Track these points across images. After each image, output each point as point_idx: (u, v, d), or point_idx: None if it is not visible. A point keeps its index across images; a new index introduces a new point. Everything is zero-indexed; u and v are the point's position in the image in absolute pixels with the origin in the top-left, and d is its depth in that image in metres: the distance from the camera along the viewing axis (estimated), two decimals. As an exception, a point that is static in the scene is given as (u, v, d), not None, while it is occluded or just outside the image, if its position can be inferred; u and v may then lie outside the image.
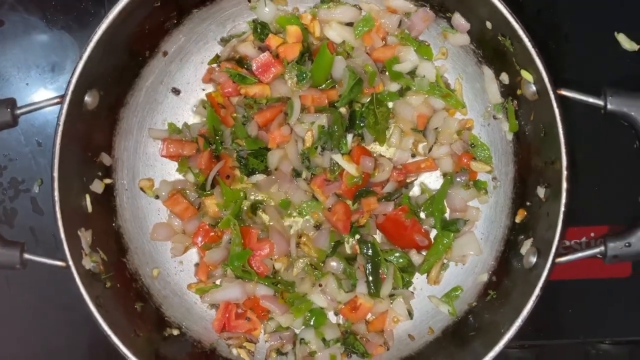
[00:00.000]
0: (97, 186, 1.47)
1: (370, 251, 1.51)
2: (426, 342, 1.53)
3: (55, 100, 1.34)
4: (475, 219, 1.54)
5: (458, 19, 1.46)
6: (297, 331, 1.54)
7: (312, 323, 1.53)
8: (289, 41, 1.51)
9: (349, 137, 1.50)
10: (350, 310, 1.52)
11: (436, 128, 1.54)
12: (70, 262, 1.32)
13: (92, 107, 1.40)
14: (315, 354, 1.51)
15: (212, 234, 1.54)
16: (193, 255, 1.58)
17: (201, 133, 1.54)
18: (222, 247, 1.53)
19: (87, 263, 1.37)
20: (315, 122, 1.48)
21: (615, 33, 1.58)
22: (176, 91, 1.58)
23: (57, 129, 1.32)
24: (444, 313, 1.53)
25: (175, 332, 1.52)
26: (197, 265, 1.58)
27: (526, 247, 1.40)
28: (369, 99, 1.52)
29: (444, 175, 1.55)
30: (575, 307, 1.62)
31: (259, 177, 1.54)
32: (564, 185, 1.28)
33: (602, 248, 1.31)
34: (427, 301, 1.55)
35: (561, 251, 1.32)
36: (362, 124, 1.51)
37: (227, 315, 1.53)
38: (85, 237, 1.39)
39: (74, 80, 1.32)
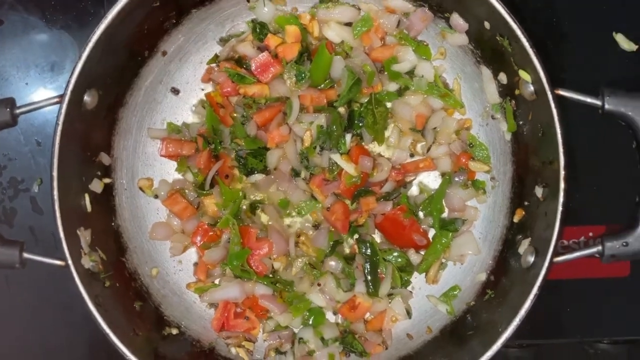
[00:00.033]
0: (97, 185, 1.47)
1: (368, 250, 1.51)
2: (424, 341, 1.53)
3: (55, 100, 1.34)
4: (473, 219, 1.55)
5: (456, 19, 1.46)
6: (295, 330, 1.54)
7: (310, 322, 1.53)
8: (288, 41, 1.51)
9: (348, 136, 1.50)
10: (348, 309, 1.52)
11: (435, 128, 1.54)
12: (70, 261, 1.33)
13: (92, 107, 1.41)
14: (314, 353, 1.51)
15: (211, 233, 1.54)
16: (192, 254, 1.58)
17: (200, 133, 1.54)
18: (221, 246, 1.53)
19: (86, 262, 1.38)
20: (314, 121, 1.49)
21: (614, 33, 1.58)
22: (175, 91, 1.58)
23: (56, 128, 1.32)
24: (442, 312, 1.53)
25: (174, 331, 1.52)
26: (196, 264, 1.58)
27: (524, 246, 1.40)
28: (367, 98, 1.52)
29: (443, 174, 1.55)
30: (573, 306, 1.62)
31: (257, 177, 1.54)
32: (562, 185, 1.28)
33: (600, 247, 1.32)
34: (425, 300, 1.56)
35: (559, 250, 1.32)
36: (360, 124, 1.51)
37: (226, 314, 1.53)
38: (85, 236, 1.39)
39: (73, 80, 1.32)
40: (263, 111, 1.52)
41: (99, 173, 1.49)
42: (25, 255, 1.36)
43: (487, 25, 1.39)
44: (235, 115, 1.53)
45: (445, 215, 1.55)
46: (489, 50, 1.45)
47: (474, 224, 1.55)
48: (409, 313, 1.54)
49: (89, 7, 1.65)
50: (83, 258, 1.37)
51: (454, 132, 1.54)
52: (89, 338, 1.63)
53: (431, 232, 1.55)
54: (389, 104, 1.54)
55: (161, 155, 1.55)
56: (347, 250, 1.56)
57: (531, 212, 1.43)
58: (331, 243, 1.53)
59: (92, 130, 1.45)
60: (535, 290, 1.29)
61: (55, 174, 1.32)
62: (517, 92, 1.41)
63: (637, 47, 1.57)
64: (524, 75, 1.35)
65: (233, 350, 1.54)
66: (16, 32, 1.65)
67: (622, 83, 1.40)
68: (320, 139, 1.49)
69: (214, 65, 1.56)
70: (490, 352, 1.30)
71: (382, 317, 1.53)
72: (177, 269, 1.58)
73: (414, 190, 1.57)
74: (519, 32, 1.30)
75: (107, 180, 1.51)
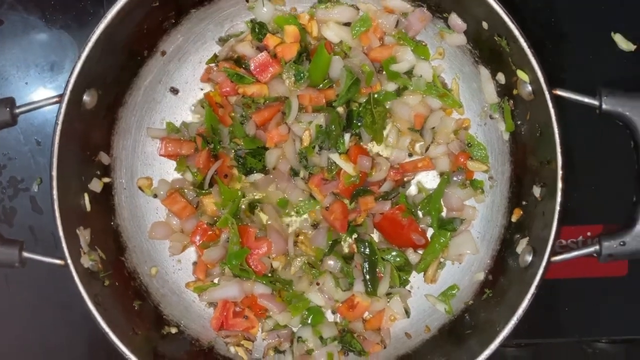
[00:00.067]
0: (96, 185, 1.48)
1: (367, 250, 1.51)
2: (423, 340, 1.53)
3: (54, 100, 1.34)
4: (471, 218, 1.55)
5: (455, 19, 1.47)
6: (294, 329, 1.55)
7: (309, 321, 1.53)
8: (287, 41, 1.51)
9: (347, 136, 1.51)
10: (347, 308, 1.52)
11: (433, 127, 1.55)
12: (69, 261, 1.33)
13: (91, 107, 1.41)
14: (313, 352, 1.51)
15: (210, 232, 1.54)
16: (191, 253, 1.58)
17: (199, 132, 1.54)
18: (220, 245, 1.54)
19: (86, 261, 1.38)
20: (313, 121, 1.49)
21: (612, 33, 1.58)
22: (174, 90, 1.58)
23: (55, 128, 1.32)
24: (440, 311, 1.54)
25: (174, 330, 1.53)
26: (195, 263, 1.58)
27: (522, 246, 1.40)
28: (366, 98, 1.52)
29: (441, 174, 1.55)
30: (571, 305, 1.62)
31: (256, 176, 1.54)
32: (559, 184, 1.28)
33: (597, 247, 1.32)
34: (423, 300, 1.56)
35: (557, 250, 1.33)
36: (359, 124, 1.52)
37: (225, 313, 1.53)
38: (84, 235, 1.40)
39: (72, 80, 1.33)
40: (262, 111, 1.52)
41: (99, 172, 1.49)
42: (25, 254, 1.36)
43: (485, 25, 1.39)
44: (234, 115, 1.53)
45: (443, 214, 1.56)
46: (487, 51, 1.45)
47: (472, 223, 1.55)
48: (407, 312, 1.55)
49: (88, 7, 1.65)
50: (82, 257, 1.37)
51: (452, 131, 1.54)
52: (89, 337, 1.64)
53: (429, 232, 1.56)
54: (387, 104, 1.54)
55: (160, 155, 1.56)
56: (345, 250, 1.56)
57: (529, 212, 1.43)
58: (330, 242, 1.53)
59: (92, 129, 1.46)
60: (532, 289, 1.29)
61: (54, 173, 1.32)
62: (515, 92, 1.41)
63: (635, 47, 1.57)
64: (521, 75, 1.35)
65: (232, 349, 1.54)
66: (16, 31, 1.65)
67: (621, 83, 1.40)
68: (319, 139, 1.49)
69: (213, 65, 1.56)
70: (488, 351, 1.31)
71: (381, 316, 1.54)
72: (176, 268, 1.58)
73: (412, 190, 1.58)
74: (516, 33, 1.30)
75: (106, 180, 1.51)
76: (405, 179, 1.57)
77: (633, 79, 1.59)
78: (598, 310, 1.62)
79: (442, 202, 1.54)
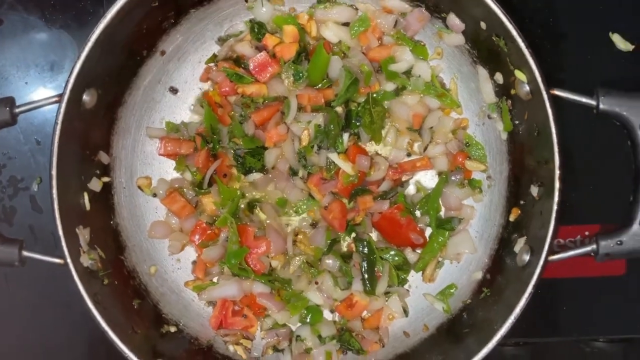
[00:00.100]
0: (95, 184, 1.48)
1: (366, 249, 1.52)
2: (421, 339, 1.54)
3: (54, 99, 1.35)
4: (469, 218, 1.55)
5: (453, 19, 1.47)
6: (293, 328, 1.55)
7: (308, 320, 1.53)
8: (286, 41, 1.52)
9: (345, 136, 1.51)
10: (346, 307, 1.53)
11: (431, 127, 1.55)
12: (69, 260, 1.33)
13: (90, 106, 1.41)
14: (311, 351, 1.51)
15: (209, 232, 1.54)
16: (190, 253, 1.58)
17: (198, 132, 1.54)
18: (219, 245, 1.54)
19: (85, 260, 1.38)
20: (312, 121, 1.49)
21: (610, 33, 1.58)
22: (174, 90, 1.59)
23: (55, 127, 1.32)
24: (438, 310, 1.54)
25: (173, 329, 1.53)
26: (194, 262, 1.58)
27: (520, 245, 1.41)
28: (365, 98, 1.52)
29: (439, 174, 1.56)
30: (569, 305, 1.62)
31: (255, 176, 1.54)
32: (557, 184, 1.29)
33: (594, 246, 1.32)
34: (422, 299, 1.56)
35: (555, 249, 1.33)
36: (358, 123, 1.52)
37: (224, 312, 1.53)
38: (84, 234, 1.40)
39: (72, 79, 1.33)
40: (261, 110, 1.52)
41: (98, 172, 1.50)
42: (25, 253, 1.36)
43: (483, 25, 1.39)
44: (233, 114, 1.54)
45: (441, 214, 1.56)
46: (485, 51, 1.45)
47: (470, 222, 1.56)
48: (405, 311, 1.55)
49: (88, 7, 1.65)
50: (82, 256, 1.37)
51: (450, 131, 1.55)
52: (88, 336, 1.64)
53: (428, 231, 1.56)
54: (386, 104, 1.54)
55: (160, 154, 1.56)
56: (344, 249, 1.57)
57: (527, 211, 1.44)
58: (329, 242, 1.53)
59: (91, 129, 1.46)
60: (530, 288, 1.29)
61: (54, 172, 1.33)
62: (513, 91, 1.42)
63: (633, 47, 1.58)
64: (519, 75, 1.36)
65: (231, 347, 1.54)
66: (16, 31, 1.65)
67: (619, 83, 1.40)
68: (317, 138, 1.49)
69: (212, 64, 1.56)
70: (486, 350, 1.31)
71: (379, 315, 1.54)
72: (175, 267, 1.59)
73: (410, 189, 1.58)
74: (514, 33, 1.30)
75: (106, 179, 1.52)
76: (403, 179, 1.57)
77: (631, 79, 1.60)
78: (596, 309, 1.62)
79: (440, 201, 1.55)
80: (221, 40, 1.57)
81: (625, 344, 1.65)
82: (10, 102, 1.36)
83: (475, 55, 1.50)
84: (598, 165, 1.60)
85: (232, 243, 1.50)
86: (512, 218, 1.48)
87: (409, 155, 1.57)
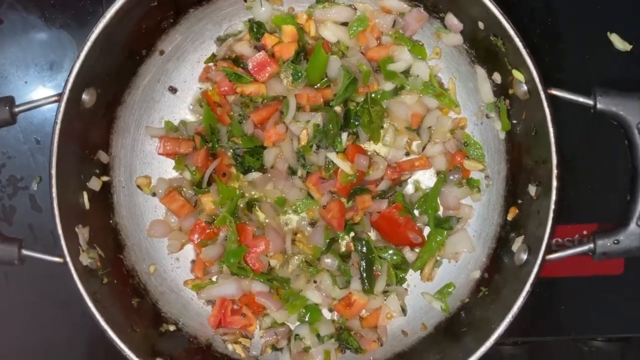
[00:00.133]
0: (95, 183, 1.48)
1: (364, 248, 1.52)
2: (419, 338, 1.54)
3: (54, 99, 1.35)
4: (468, 217, 1.56)
5: (451, 19, 1.47)
6: (292, 327, 1.56)
7: (306, 319, 1.54)
8: (285, 40, 1.52)
9: (344, 135, 1.51)
10: (344, 306, 1.53)
11: (430, 127, 1.55)
12: (68, 258, 1.33)
13: (90, 105, 1.41)
14: (310, 350, 1.51)
15: (209, 231, 1.55)
16: (189, 252, 1.59)
17: (198, 131, 1.55)
18: (218, 244, 1.54)
19: (85, 259, 1.38)
20: (311, 120, 1.49)
21: (608, 33, 1.59)
22: (173, 90, 1.59)
23: (54, 127, 1.33)
24: (436, 309, 1.54)
25: (172, 327, 1.53)
26: (193, 262, 1.59)
27: (517, 244, 1.41)
28: (363, 98, 1.53)
29: (438, 173, 1.56)
30: (568, 304, 1.63)
31: (254, 175, 1.55)
32: (554, 183, 1.29)
33: (592, 245, 1.33)
34: (420, 298, 1.56)
35: (553, 248, 1.33)
36: (356, 123, 1.52)
37: (222, 311, 1.54)
38: (83, 233, 1.40)
39: (71, 79, 1.33)
40: (260, 110, 1.53)
41: (97, 171, 1.50)
42: (24, 252, 1.37)
43: (481, 25, 1.40)
44: (232, 114, 1.54)
45: (440, 213, 1.56)
46: (483, 50, 1.45)
47: (468, 222, 1.56)
48: (404, 310, 1.55)
49: (87, 6, 1.65)
50: (81, 255, 1.38)
51: (449, 131, 1.55)
52: (88, 334, 1.64)
53: (426, 230, 1.56)
54: (384, 103, 1.54)
55: (159, 154, 1.56)
56: (343, 248, 1.57)
57: (524, 210, 1.44)
58: (327, 241, 1.53)
59: (91, 128, 1.46)
60: (527, 287, 1.30)
61: (53, 172, 1.33)
62: (511, 91, 1.42)
63: (631, 47, 1.58)
64: (517, 74, 1.36)
65: (230, 346, 1.54)
66: (15, 31, 1.66)
67: (617, 83, 1.41)
68: (316, 138, 1.50)
69: (211, 64, 1.56)
70: (484, 349, 1.31)
71: (378, 314, 1.54)
72: (174, 266, 1.59)
73: (409, 189, 1.58)
74: (512, 33, 1.30)
75: (105, 178, 1.52)
76: (402, 178, 1.57)
77: (629, 79, 1.60)
78: (594, 308, 1.62)
79: (438, 200, 1.55)
80: (220, 40, 1.57)
81: (623, 343, 1.65)
82: (9, 101, 1.36)
83: (474, 55, 1.50)
84: (595, 164, 1.60)
85: (231, 242, 1.50)
86: (510, 217, 1.49)
87: (407, 154, 1.57)
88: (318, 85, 1.53)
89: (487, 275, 1.51)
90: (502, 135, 1.51)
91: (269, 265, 1.54)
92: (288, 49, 1.51)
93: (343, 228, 1.53)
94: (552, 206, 1.29)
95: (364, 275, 1.51)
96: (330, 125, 1.49)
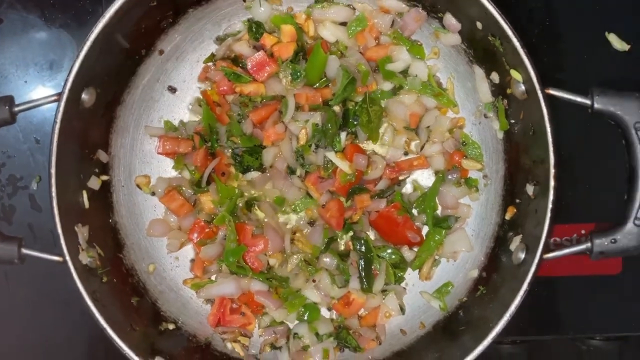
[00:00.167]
0: (94, 183, 1.48)
1: (363, 247, 1.52)
2: (417, 337, 1.54)
3: (53, 98, 1.35)
4: (466, 216, 1.56)
5: (449, 19, 1.48)
6: (290, 326, 1.56)
7: (305, 318, 1.54)
8: (284, 40, 1.52)
9: (343, 135, 1.52)
10: (343, 305, 1.53)
11: (428, 126, 1.56)
12: (67, 257, 1.34)
13: (89, 105, 1.42)
14: (309, 348, 1.52)
15: (208, 230, 1.55)
16: (189, 251, 1.59)
17: (197, 131, 1.55)
18: (217, 243, 1.54)
19: (84, 258, 1.39)
20: (310, 120, 1.50)
21: (606, 33, 1.59)
22: (172, 89, 1.59)
23: (54, 126, 1.33)
24: (435, 308, 1.55)
25: (171, 326, 1.54)
26: (192, 261, 1.59)
27: (515, 243, 1.41)
28: (362, 97, 1.53)
29: (436, 172, 1.56)
30: (566, 303, 1.63)
31: (253, 175, 1.55)
32: (552, 183, 1.29)
33: (589, 244, 1.33)
34: (418, 296, 1.57)
35: (551, 248, 1.34)
36: (355, 122, 1.53)
37: (222, 310, 1.54)
38: (82, 232, 1.41)
39: (71, 78, 1.33)
40: (259, 109, 1.53)
41: (97, 170, 1.50)
42: (24, 251, 1.37)
43: (479, 25, 1.40)
44: (231, 113, 1.54)
45: (438, 212, 1.57)
46: (481, 50, 1.46)
47: (466, 221, 1.56)
48: (402, 309, 1.55)
49: (87, 6, 1.65)
50: (81, 254, 1.38)
51: (447, 130, 1.55)
52: (88, 333, 1.64)
53: (424, 230, 1.56)
54: (383, 103, 1.55)
55: (158, 153, 1.57)
56: (341, 247, 1.57)
57: (522, 210, 1.44)
58: (326, 240, 1.53)
59: (90, 128, 1.46)
60: (525, 286, 1.30)
61: (53, 171, 1.33)
62: (508, 91, 1.42)
63: (629, 47, 1.58)
64: (515, 74, 1.36)
65: (229, 345, 1.55)
66: (15, 30, 1.66)
67: (615, 82, 1.42)
68: (315, 137, 1.50)
69: (210, 64, 1.57)
70: (481, 347, 1.32)
71: (376, 313, 1.55)
72: (173, 265, 1.59)
73: (407, 188, 1.59)
74: (509, 33, 1.31)
75: (104, 178, 1.52)
76: (400, 177, 1.57)
77: (628, 79, 1.60)
78: (592, 307, 1.63)
79: (437, 200, 1.56)
80: (219, 40, 1.58)
81: (621, 342, 1.65)
82: (9, 100, 1.37)
83: (472, 54, 1.51)
84: (593, 164, 1.61)
85: (230, 241, 1.51)
86: (508, 216, 1.49)
87: (406, 154, 1.57)
88: (317, 85, 1.53)
89: (485, 274, 1.52)
90: (500, 135, 1.51)
91: (268, 264, 1.55)
92: (287, 48, 1.51)
93: (342, 227, 1.53)
94: (550, 205, 1.29)
95: (363, 274, 1.52)
96: (329, 125, 1.50)
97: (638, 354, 1.67)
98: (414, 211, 1.57)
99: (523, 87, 1.36)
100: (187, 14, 1.54)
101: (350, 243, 1.56)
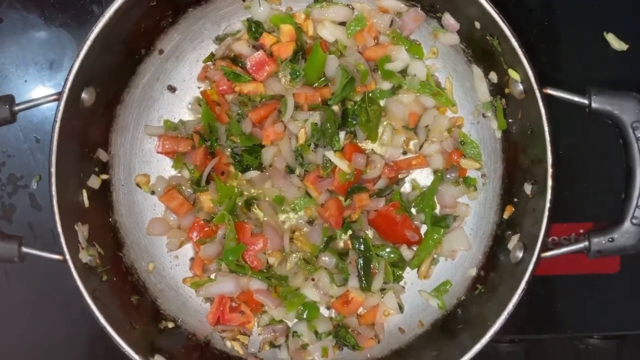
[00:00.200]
0: (94, 182, 1.49)
1: (362, 246, 1.53)
2: (416, 335, 1.55)
3: (53, 97, 1.35)
4: (464, 215, 1.56)
5: (448, 19, 1.48)
6: (290, 324, 1.56)
7: (304, 316, 1.54)
8: (283, 40, 1.53)
9: (342, 134, 1.52)
10: (342, 304, 1.54)
11: (427, 126, 1.56)
12: (67, 256, 1.34)
13: (89, 104, 1.42)
14: (308, 347, 1.52)
15: (207, 229, 1.55)
16: (188, 249, 1.59)
17: (196, 130, 1.55)
18: (217, 242, 1.54)
19: (84, 257, 1.39)
20: (309, 119, 1.50)
21: (605, 33, 1.59)
22: (172, 89, 1.60)
23: (54, 125, 1.33)
24: (433, 307, 1.55)
25: (171, 324, 1.54)
26: (192, 259, 1.59)
27: (513, 242, 1.42)
28: (361, 97, 1.53)
29: (435, 172, 1.57)
30: (564, 302, 1.63)
31: (253, 174, 1.55)
32: (549, 182, 1.29)
33: (586, 243, 1.33)
34: (417, 295, 1.57)
35: (550, 247, 1.34)
36: (354, 122, 1.53)
37: (221, 308, 1.54)
38: (82, 231, 1.41)
39: (71, 78, 1.34)
40: (258, 109, 1.53)
41: (97, 169, 1.51)
42: (24, 249, 1.37)
43: (477, 25, 1.40)
44: (230, 113, 1.54)
45: (437, 211, 1.57)
46: (480, 50, 1.46)
47: (465, 220, 1.56)
48: (401, 307, 1.56)
49: (87, 6, 1.66)
50: (81, 252, 1.38)
51: (445, 130, 1.55)
52: (88, 331, 1.64)
53: (423, 228, 1.57)
54: (382, 102, 1.55)
55: (158, 152, 1.57)
56: (340, 246, 1.57)
57: (520, 209, 1.44)
58: (325, 239, 1.53)
59: (90, 127, 1.47)
60: (523, 285, 1.30)
61: (53, 170, 1.34)
62: (507, 90, 1.42)
63: (627, 46, 1.59)
64: (513, 74, 1.37)
65: (228, 343, 1.55)
66: (15, 30, 1.66)
67: (614, 82, 1.42)
68: (314, 137, 1.50)
69: (210, 63, 1.57)
70: (479, 345, 1.32)
71: (375, 311, 1.55)
72: (173, 264, 1.59)
73: (406, 187, 1.59)
74: (508, 33, 1.31)
75: (104, 177, 1.52)
76: (399, 177, 1.58)
77: (626, 79, 1.60)
78: (590, 306, 1.63)
79: (435, 199, 1.56)
80: (219, 39, 1.58)
81: (619, 340, 1.65)
82: (9, 100, 1.37)
83: (470, 54, 1.51)
84: (591, 163, 1.61)
85: (230, 240, 1.51)
86: (506, 215, 1.49)
87: (404, 153, 1.58)
88: (316, 84, 1.53)
89: (484, 273, 1.52)
90: (499, 134, 1.52)
91: (267, 263, 1.55)
92: (286, 48, 1.52)
93: (341, 226, 1.53)
94: (548, 204, 1.30)
95: (362, 273, 1.52)
96: (328, 124, 1.50)
97: (636, 353, 1.67)
98: (413, 210, 1.57)
99: (521, 87, 1.36)
100: (187, 13, 1.54)
101: (349, 242, 1.56)
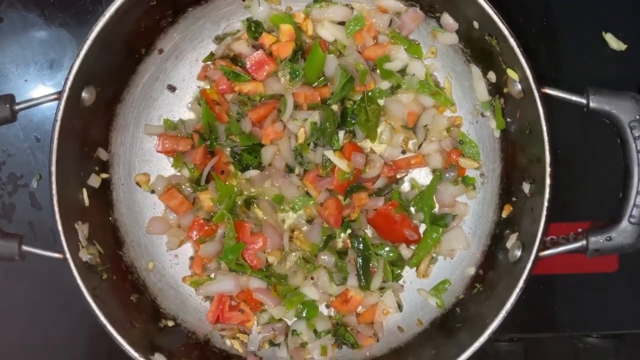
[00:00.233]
0: (94, 181, 1.49)
1: (361, 245, 1.53)
2: (415, 334, 1.55)
3: (53, 97, 1.35)
4: (463, 214, 1.56)
5: (447, 18, 1.48)
6: (289, 323, 1.56)
7: (304, 315, 1.55)
8: (282, 39, 1.53)
9: (341, 133, 1.52)
10: (341, 302, 1.54)
11: (426, 125, 1.56)
12: (68, 255, 1.34)
13: (89, 103, 1.42)
14: (307, 345, 1.53)
15: (207, 228, 1.55)
16: (188, 248, 1.59)
17: (196, 129, 1.55)
18: (217, 240, 1.55)
19: (84, 255, 1.39)
20: (308, 119, 1.50)
21: (603, 33, 1.60)
22: (172, 88, 1.60)
23: (54, 124, 1.33)
24: (432, 305, 1.55)
25: (171, 323, 1.54)
26: (192, 258, 1.59)
27: (511, 241, 1.42)
28: (360, 96, 1.53)
29: (434, 171, 1.57)
30: (563, 301, 1.64)
31: (252, 173, 1.55)
32: (548, 181, 1.30)
33: (584, 242, 1.34)
34: (416, 294, 1.57)
35: (548, 246, 1.35)
36: (353, 121, 1.53)
37: (221, 307, 1.55)
38: (82, 230, 1.41)
39: (71, 77, 1.34)
40: (258, 108, 1.53)
41: (97, 168, 1.51)
42: (24, 248, 1.37)
43: (476, 25, 1.40)
44: (230, 112, 1.54)
45: (436, 210, 1.57)
46: (479, 50, 1.46)
47: (463, 219, 1.57)
48: (400, 306, 1.56)
49: (87, 5, 1.66)
50: (81, 251, 1.38)
51: (444, 129, 1.56)
52: (88, 330, 1.64)
53: (422, 227, 1.57)
54: (381, 102, 1.55)
55: (158, 151, 1.57)
56: (340, 245, 1.58)
57: (519, 208, 1.45)
58: (324, 238, 1.54)
59: (90, 126, 1.47)
60: (521, 283, 1.31)
61: (53, 169, 1.34)
62: (505, 90, 1.43)
63: (626, 46, 1.59)
64: (511, 74, 1.37)
65: (228, 342, 1.55)
66: (15, 29, 1.66)
67: (612, 82, 1.43)
68: (313, 136, 1.51)
69: (209, 63, 1.57)
70: (478, 344, 1.32)
71: (374, 310, 1.55)
72: (173, 263, 1.60)
73: (405, 186, 1.59)
74: (506, 32, 1.31)
75: (104, 176, 1.53)
76: (398, 176, 1.58)
77: (624, 78, 1.60)
78: (589, 305, 1.63)
79: (434, 198, 1.56)
80: (218, 39, 1.58)
81: (617, 339, 1.65)
82: (10, 99, 1.37)
83: (469, 54, 1.51)
84: (589, 162, 1.61)
85: (229, 239, 1.51)
86: (504, 215, 1.50)
87: (403, 152, 1.58)
88: (315, 83, 1.53)
89: (482, 271, 1.52)
90: (497, 134, 1.52)
91: (267, 261, 1.55)
92: (286, 47, 1.52)
93: (340, 225, 1.54)
94: (546, 204, 1.30)
95: (361, 271, 1.52)
96: (328, 124, 1.50)
97: (634, 352, 1.68)
98: (412, 209, 1.57)
99: (519, 86, 1.37)
100: (187, 13, 1.54)
101: (348, 241, 1.56)
